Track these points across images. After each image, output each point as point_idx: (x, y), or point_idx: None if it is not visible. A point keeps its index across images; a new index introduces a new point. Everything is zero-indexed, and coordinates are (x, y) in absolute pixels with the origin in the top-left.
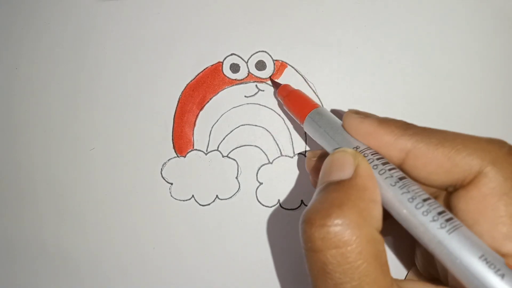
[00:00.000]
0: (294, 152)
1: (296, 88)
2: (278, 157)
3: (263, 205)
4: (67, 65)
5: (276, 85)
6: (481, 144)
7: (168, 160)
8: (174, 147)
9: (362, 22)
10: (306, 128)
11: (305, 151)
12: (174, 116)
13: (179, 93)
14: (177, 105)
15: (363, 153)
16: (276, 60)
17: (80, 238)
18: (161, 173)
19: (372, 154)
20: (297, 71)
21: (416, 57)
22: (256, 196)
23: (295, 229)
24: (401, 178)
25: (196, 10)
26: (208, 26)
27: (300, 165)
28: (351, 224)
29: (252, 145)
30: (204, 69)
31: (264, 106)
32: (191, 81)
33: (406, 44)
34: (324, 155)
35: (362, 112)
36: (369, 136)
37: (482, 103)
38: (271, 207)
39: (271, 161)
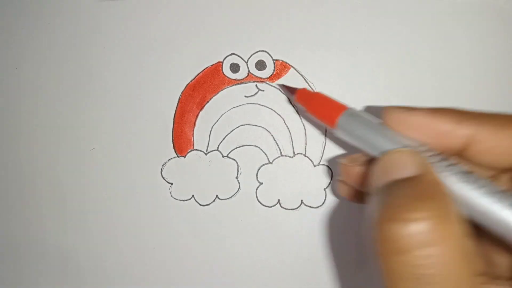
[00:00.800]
0: (294, 152)
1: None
2: (278, 157)
3: (263, 205)
4: (67, 65)
5: (290, 90)
6: None
7: (168, 160)
8: (174, 147)
9: (362, 22)
10: (340, 132)
11: (305, 150)
12: (174, 116)
13: (179, 93)
14: (177, 105)
15: (420, 151)
16: (276, 60)
17: (80, 238)
18: (161, 173)
19: (429, 151)
20: (297, 71)
21: (416, 57)
22: (256, 196)
23: (295, 229)
24: (468, 172)
25: (196, 10)
26: (208, 26)
27: (300, 165)
28: (439, 217)
29: (252, 145)
30: (204, 69)
31: (264, 106)
32: (191, 81)
33: (406, 44)
34: (365, 161)
35: (403, 107)
36: (423, 128)
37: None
38: (271, 207)
39: (271, 161)
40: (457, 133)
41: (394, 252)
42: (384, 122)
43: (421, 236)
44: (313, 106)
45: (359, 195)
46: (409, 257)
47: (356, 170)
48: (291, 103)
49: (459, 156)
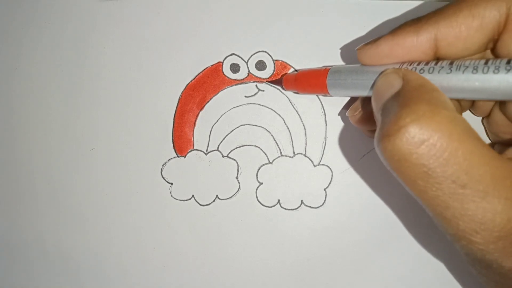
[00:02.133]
0: (294, 152)
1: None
2: (278, 157)
3: (263, 205)
4: (67, 65)
5: (277, 82)
6: None
7: (168, 160)
8: (174, 147)
9: (362, 22)
10: (333, 91)
11: (305, 150)
12: (174, 116)
13: (179, 93)
14: (177, 105)
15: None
16: (276, 60)
17: (80, 238)
18: (161, 173)
19: (408, 65)
20: (297, 71)
21: None
22: (256, 196)
23: (295, 229)
24: (451, 63)
25: (196, 10)
26: (208, 26)
27: (300, 165)
28: (426, 114)
29: (252, 145)
30: (204, 69)
31: (264, 106)
32: (191, 81)
33: None
34: (364, 105)
35: (369, 42)
36: (393, 52)
37: None
38: (271, 207)
39: (271, 161)
40: (421, 41)
41: (400, 162)
42: (362, 64)
43: (417, 136)
44: (301, 85)
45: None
46: (414, 158)
47: (360, 115)
48: (284, 90)
49: (439, 59)
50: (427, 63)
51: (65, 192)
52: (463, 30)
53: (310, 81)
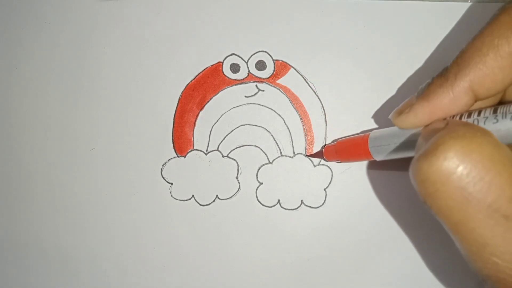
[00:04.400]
0: (294, 152)
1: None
2: (278, 157)
3: (263, 205)
4: (67, 65)
5: (318, 154)
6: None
7: (168, 160)
8: (174, 147)
9: (362, 22)
10: (378, 157)
11: (305, 150)
12: (174, 116)
13: (179, 93)
14: (177, 105)
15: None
16: (276, 60)
17: (80, 238)
18: (161, 173)
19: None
20: (297, 71)
21: (416, 57)
22: (256, 196)
23: (295, 229)
24: (495, 111)
25: (196, 10)
26: (208, 26)
27: (300, 165)
28: (467, 135)
29: (252, 145)
30: (204, 69)
31: (264, 106)
32: (191, 81)
33: (406, 45)
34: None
35: (401, 107)
36: (432, 116)
37: None
38: (271, 207)
39: (271, 161)
40: (458, 97)
41: (435, 185)
42: (399, 127)
43: (455, 158)
44: (344, 156)
45: None
46: (450, 182)
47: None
48: (291, 104)
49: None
50: (469, 115)
51: (65, 192)
52: (497, 72)
53: (352, 151)
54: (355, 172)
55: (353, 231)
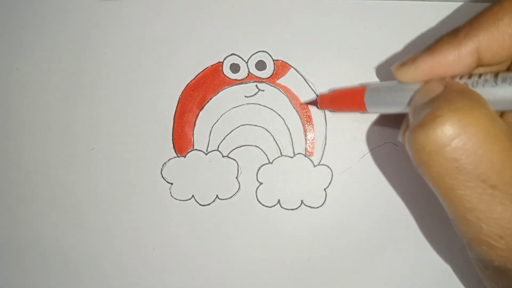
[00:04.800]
0: (294, 152)
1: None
2: (278, 157)
3: (263, 205)
4: (67, 65)
5: (312, 102)
6: None
7: (168, 160)
8: (174, 147)
9: (362, 22)
10: (371, 109)
11: (305, 150)
12: (174, 116)
13: (179, 93)
14: (177, 105)
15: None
16: (276, 60)
17: (80, 238)
18: (161, 173)
19: (450, 79)
20: (297, 71)
21: None
22: (256, 196)
23: (295, 229)
24: (496, 75)
25: (196, 10)
26: (208, 26)
27: (300, 165)
28: (464, 107)
29: (252, 145)
30: (204, 69)
31: (264, 106)
32: (191, 81)
33: (406, 45)
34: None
35: (405, 60)
36: (434, 71)
37: None
38: (271, 207)
39: (271, 161)
40: (463, 56)
41: (430, 155)
42: (400, 81)
43: (451, 130)
44: (338, 104)
45: None
46: (445, 153)
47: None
48: (291, 104)
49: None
50: (469, 77)
51: (65, 192)
52: (507, 39)
53: (347, 100)
54: (355, 172)
55: (353, 231)
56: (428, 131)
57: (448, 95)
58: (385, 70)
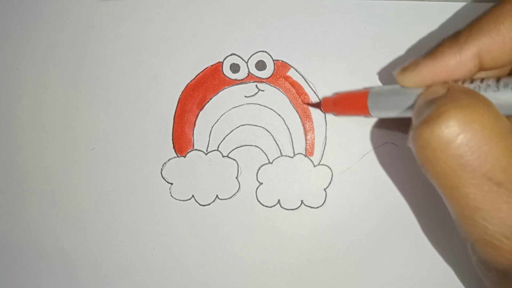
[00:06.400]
0: (294, 152)
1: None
2: (278, 157)
3: (263, 205)
4: (67, 65)
5: (316, 104)
6: None
7: (168, 160)
8: (174, 147)
9: (362, 22)
10: (375, 113)
11: (305, 150)
12: (174, 116)
13: (179, 93)
14: (177, 105)
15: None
16: (276, 60)
17: (80, 238)
18: (161, 173)
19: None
20: (297, 71)
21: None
22: (256, 196)
23: (295, 229)
24: (498, 80)
25: (196, 10)
26: (208, 26)
27: (300, 165)
28: (469, 105)
29: (252, 145)
30: (204, 69)
31: (264, 106)
32: (191, 81)
33: (406, 45)
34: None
35: (406, 65)
36: (436, 76)
37: None
38: (271, 207)
39: (271, 161)
40: (464, 60)
41: (435, 152)
42: (402, 86)
43: (456, 126)
44: (341, 108)
45: None
46: (450, 149)
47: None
48: (291, 104)
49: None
50: (471, 81)
51: (65, 192)
52: (507, 42)
53: (350, 104)
54: (355, 172)
55: (353, 231)
56: (433, 127)
57: (453, 94)
58: (385, 70)
